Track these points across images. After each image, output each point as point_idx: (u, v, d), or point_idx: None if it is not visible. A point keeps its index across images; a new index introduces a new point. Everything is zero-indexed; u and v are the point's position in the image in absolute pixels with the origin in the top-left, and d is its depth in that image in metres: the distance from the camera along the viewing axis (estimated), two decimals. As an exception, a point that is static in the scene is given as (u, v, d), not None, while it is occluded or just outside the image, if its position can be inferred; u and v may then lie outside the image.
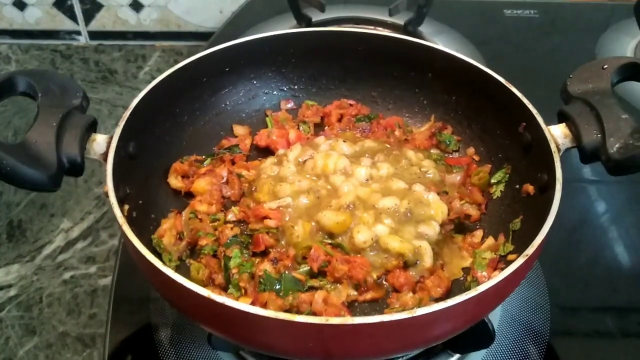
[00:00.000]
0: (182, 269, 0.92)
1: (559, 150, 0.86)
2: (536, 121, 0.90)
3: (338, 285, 0.88)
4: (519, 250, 0.85)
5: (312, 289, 0.88)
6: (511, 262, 0.74)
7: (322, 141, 1.08)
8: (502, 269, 0.75)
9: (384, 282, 0.90)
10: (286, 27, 1.48)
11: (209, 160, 1.06)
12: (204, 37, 1.71)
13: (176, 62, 1.02)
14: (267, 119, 1.14)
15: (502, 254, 0.91)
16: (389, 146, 1.08)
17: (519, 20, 1.63)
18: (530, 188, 0.92)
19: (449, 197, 0.99)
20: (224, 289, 0.89)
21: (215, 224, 0.97)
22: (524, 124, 0.94)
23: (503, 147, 1.01)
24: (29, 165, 0.78)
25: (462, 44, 1.49)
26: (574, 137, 0.87)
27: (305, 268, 0.89)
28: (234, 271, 0.88)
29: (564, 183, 0.82)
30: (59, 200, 1.31)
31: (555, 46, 1.56)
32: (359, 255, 0.90)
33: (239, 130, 1.12)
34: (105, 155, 0.85)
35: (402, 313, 0.67)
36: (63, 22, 1.71)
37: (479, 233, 0.97)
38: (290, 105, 1.16)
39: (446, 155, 1.09)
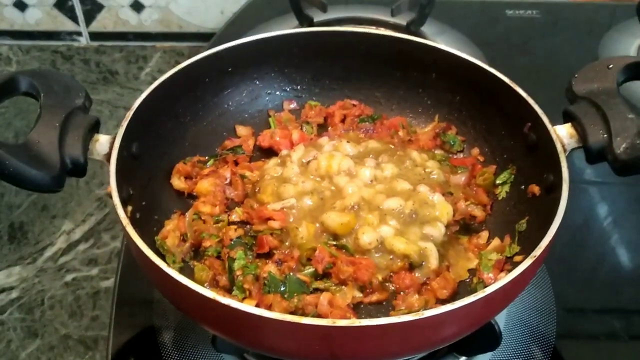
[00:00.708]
0: (185, 270, 0.91)
1: (564, 150, 0.86)
2: (541, 121, 0.89)
3: (343, 287, 0.87)
4: (525, 252, 0.85)
5: (317, 290, 0.87)
6: (517, 263, 0.74)
7: (325, 142, 1.07)
8: (509, 271, 0.74)
9: (390, 284, 0.90)
10: (288, 27, 1.47)
11: (212, 161, 1.06)
12: (205, 37, 1.70)
13: (177, 63, 1.02)
14: (270, 119, 1.13)
15: (508, 255, 0.90)
16: (392, 147, 1.07)
17: (521, 20, 1.62)
18: (536, 189, 0.91)
19: (454, 198, 0.98)
20: (228, 290, 0.88)
21: (219, 225, 0.96)
22: (529, 124, 0.93)
23: (508, 147, 1.00)
24: (32, 166, 0.77)
25: (464, 44, 1.48)
26: (580, 137, 0.86)
27: (310, 270, 0.88)
28: (238, 273, 0.88)
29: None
30: (60, 202, 1.31)
31: (557, 47, 1.55)
32: (364, 257, 0.89)
33: (241, 130, 1.12)
34: (108, 155, 0.84)
35: (410, 315, 0.67)
36: (64, 23, 1.70)
37: (484, 234, 0.96)
38: (293, 105, 1.15)
39: (450, 155, 1.08)
